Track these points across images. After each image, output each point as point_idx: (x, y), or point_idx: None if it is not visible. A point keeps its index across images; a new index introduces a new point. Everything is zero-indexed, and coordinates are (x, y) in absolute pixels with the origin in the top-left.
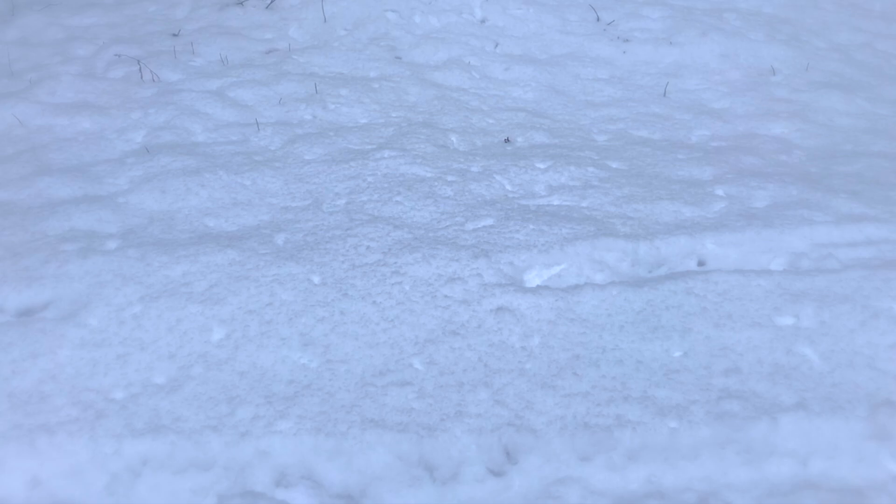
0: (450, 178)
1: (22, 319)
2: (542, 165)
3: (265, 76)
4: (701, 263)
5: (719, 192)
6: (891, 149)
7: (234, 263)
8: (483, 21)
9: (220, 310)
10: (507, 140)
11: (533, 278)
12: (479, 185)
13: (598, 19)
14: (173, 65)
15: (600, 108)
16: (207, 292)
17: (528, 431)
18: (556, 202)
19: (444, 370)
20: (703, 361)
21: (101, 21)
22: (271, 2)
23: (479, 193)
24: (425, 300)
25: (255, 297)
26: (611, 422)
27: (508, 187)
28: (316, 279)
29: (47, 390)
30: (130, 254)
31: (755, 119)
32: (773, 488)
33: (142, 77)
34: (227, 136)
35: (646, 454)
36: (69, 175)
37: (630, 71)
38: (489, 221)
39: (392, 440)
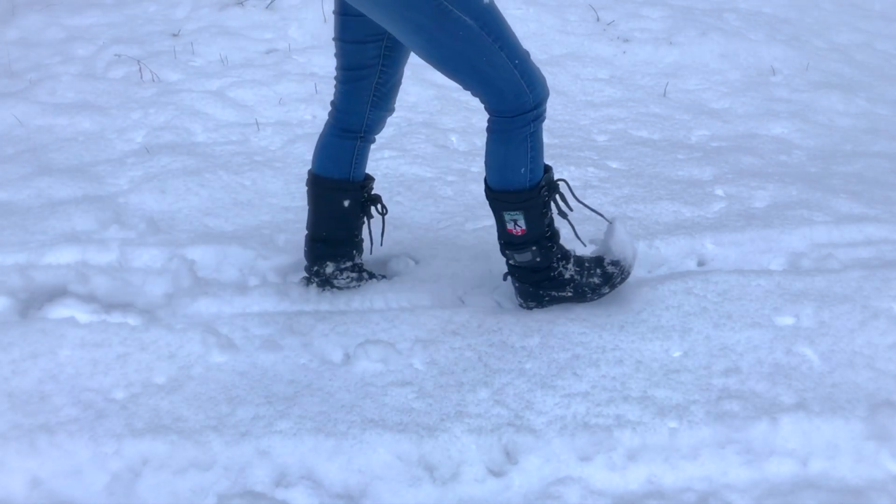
0: (450, 178)
1: (22, 319)
2: None
3: (265, 76)
4: (701, 263)
5: (719, 192)
6: (891, 149)
7: None
8: None
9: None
10: None
11: None
12: (479, 186)
13: (598, 19)
14: (173, 65)
15: (600, 108)
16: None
17: (528, 431)
18: None
19: (444, 370)
20: (703, 361)
21: (101, 21)
22: (271, 2)
23: (479, 194)
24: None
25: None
26: (611, 422)
27: None
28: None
29: (47, 390)
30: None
31: (755, 119)
32: (773, 488)
33: (142, 77)
34: (227, 136)
35: (646, 454)
36: (69, 175)
37: (630, 71)
38: (489, 221)
39: (392, 440)
